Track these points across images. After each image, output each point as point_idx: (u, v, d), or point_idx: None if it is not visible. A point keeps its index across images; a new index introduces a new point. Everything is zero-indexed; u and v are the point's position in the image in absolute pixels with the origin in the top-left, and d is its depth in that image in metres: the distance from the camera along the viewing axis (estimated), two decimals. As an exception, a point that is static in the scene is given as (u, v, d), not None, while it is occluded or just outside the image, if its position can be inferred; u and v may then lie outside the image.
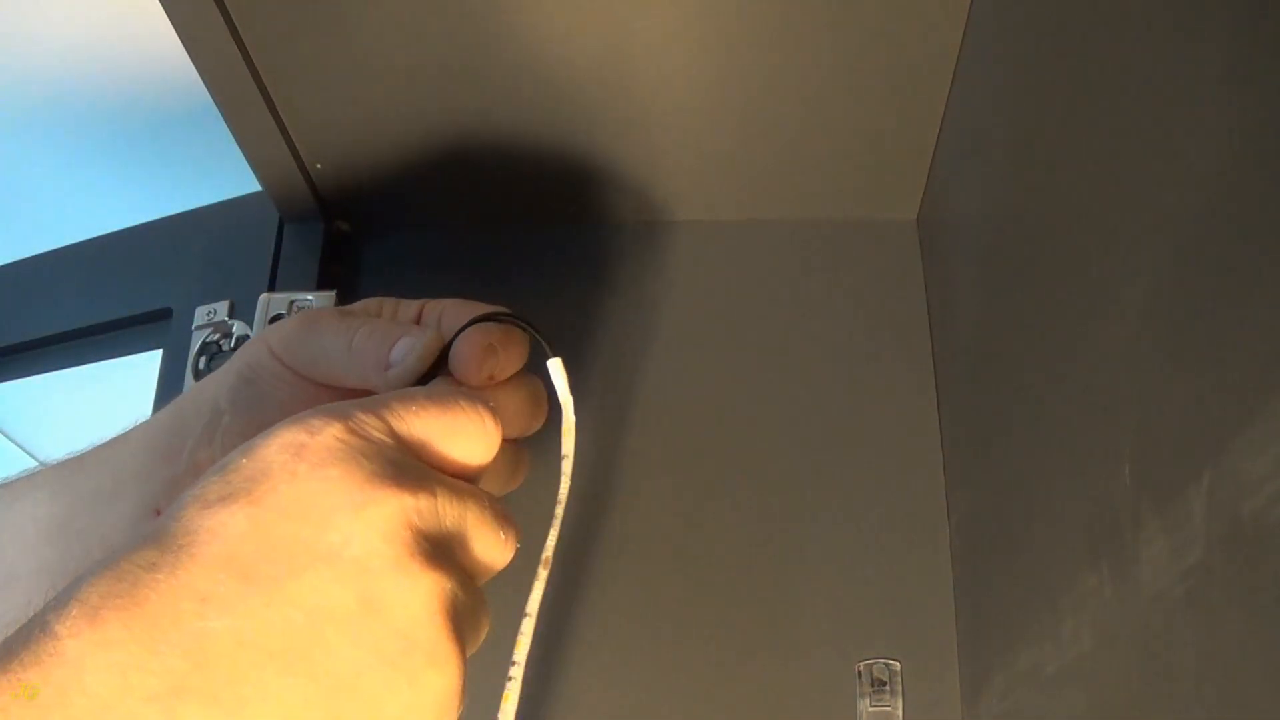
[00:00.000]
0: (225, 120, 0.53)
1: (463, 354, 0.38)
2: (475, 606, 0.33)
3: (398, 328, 0.39)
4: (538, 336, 0.39)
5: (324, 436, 0.31)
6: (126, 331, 0.61)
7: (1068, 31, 0.36)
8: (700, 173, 0.57)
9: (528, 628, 0.37)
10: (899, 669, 0.49)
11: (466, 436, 0.34)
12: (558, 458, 0.39)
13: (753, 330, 0.57)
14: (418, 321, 0.42)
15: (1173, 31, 0.28)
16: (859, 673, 0.49)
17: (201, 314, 0.57)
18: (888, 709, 0.48)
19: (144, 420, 0.43)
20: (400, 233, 0.60)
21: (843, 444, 0.54)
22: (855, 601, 0.51)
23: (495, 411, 0.35)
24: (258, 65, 0.50)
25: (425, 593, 0.31)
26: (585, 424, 0.54)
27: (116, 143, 0.80)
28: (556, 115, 0.54)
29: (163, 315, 0.59)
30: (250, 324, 0.55)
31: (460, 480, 0.34)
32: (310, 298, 0.55)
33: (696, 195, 0.58)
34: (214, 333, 0.56)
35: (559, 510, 0.39)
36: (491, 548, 0.34)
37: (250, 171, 0.56)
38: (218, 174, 0.78)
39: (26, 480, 0.43)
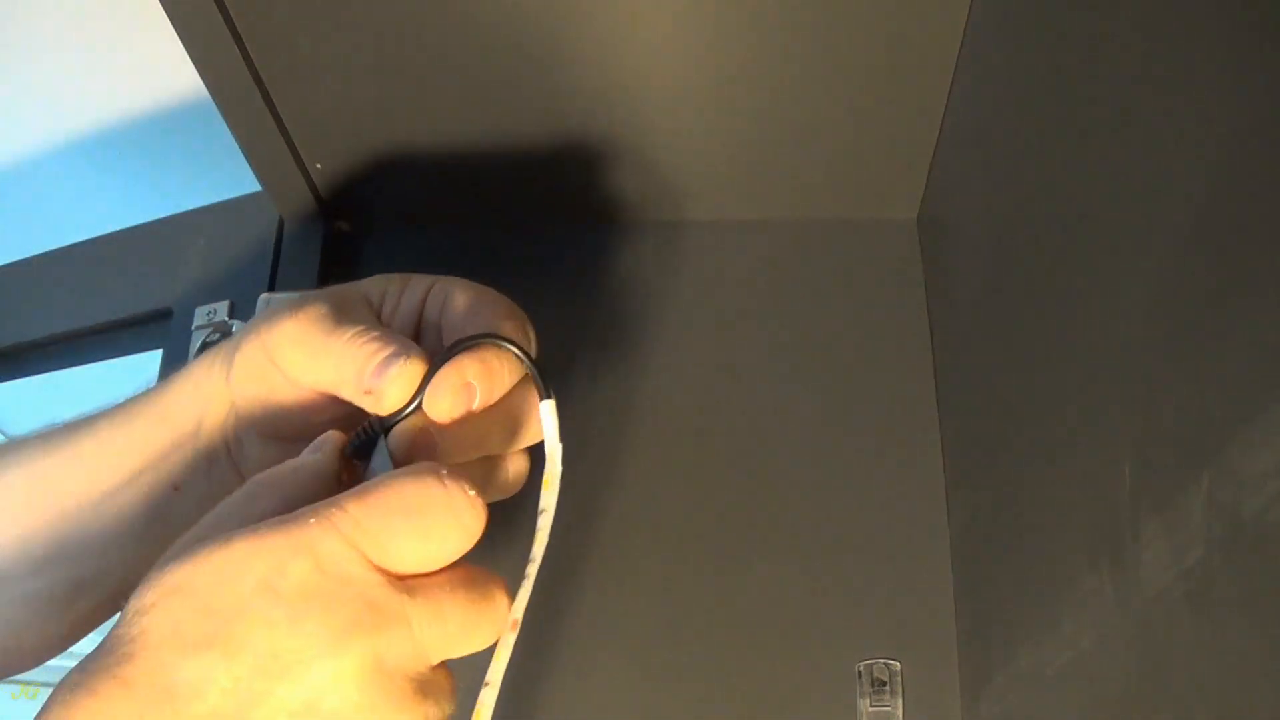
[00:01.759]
0: (225, 120, 0.53)
1: (437, 400, 0.36)
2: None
3: (382, 345, 0.36)
4: (534, 373, 0.37)
5: (295, 579, 0.31)
6: (126, 331, 0.61)
7: (1068, 31, 0.36)
8: (699, 173, 0.57)
9: (488, 699, 0.35)
10: (899, 669, 0.49)
11: (443, 538, 0.33)
12: (534, 512, 0.37)
13: (752, 330, 0.57)
14: (422, 305, 0.40)
15: (1173, 31, 0.28)
16: (859, 673, 0.49)
17: (201, 314, 0.57)
18: (888, 709, 0.48)
19: (152, 393, 0.41)
20: (400, 233, 0.60)
21: (843, 444, 0.54)
22: (855, 601, 0.51)
23: (477, 495, 0.33)
24: (258, 65, 0.50)
25: None
26: (584, 422, 0.54)
27: (116, 142, 0.80)
28: (555, 116, 0.54)
29: (163, 315, 0.59)
30: (250, 324, 0.55)
31: (441, 574, 0.33)
32: (310, 298, 0.55)
33: (695, 195, 0.58)
34: (214, 333, 0.56)
35: (531, 570, 0.36)
36: (474, 638, 0.34)
37: (250, 171, 0.56)
38: (218, 174, 0.78)
39: (37, 446, 0.43)
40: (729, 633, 0.50)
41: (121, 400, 0.42)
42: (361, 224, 0.60)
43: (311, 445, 0.37)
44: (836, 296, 0.57)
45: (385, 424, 0.36)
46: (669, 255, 0.59)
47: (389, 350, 0.36)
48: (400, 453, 0.36)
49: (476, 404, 0.36)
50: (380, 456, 0.36)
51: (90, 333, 0.61)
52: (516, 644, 0.36)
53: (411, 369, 0.36)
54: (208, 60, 0.49)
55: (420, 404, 0.36)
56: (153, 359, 0.58)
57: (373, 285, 0.41)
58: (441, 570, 0.33)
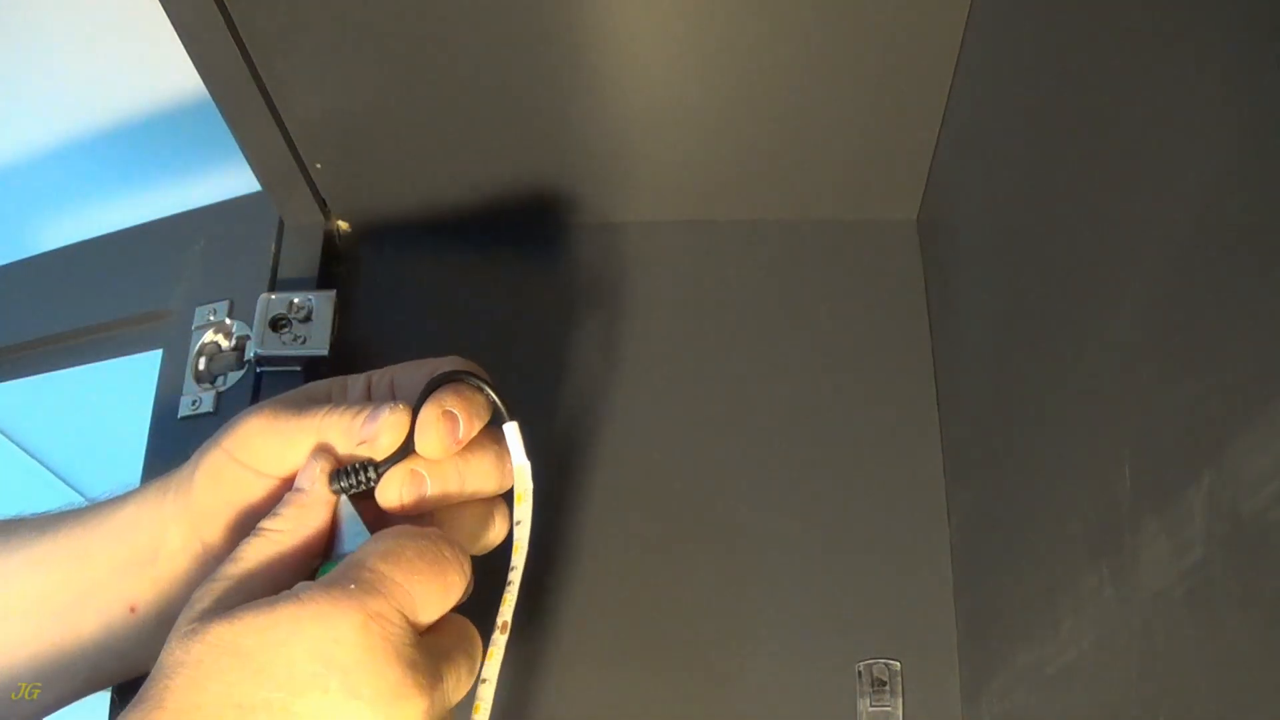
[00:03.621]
0: (225, 120, 0.53)
1: (426, 434, 0.38)
2: None
3: (362, 407, 0.39)
4: (496, 399, 0.40)
5: (347, 645, 0.33)
6: (126, 331, 0.61)
7: (1068, 31, 0.36)
8: (700, 173, 0.57)
9: (486, 694, 0.38)
10: (899, 669, 0.49)
11: (456, 592, 0.36)
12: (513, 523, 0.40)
13: (752, 330, 0.57)
14: (367, 394, 0.42)
15: (1173, 32, 0.28)
16: (859, 673, 0.49)
17: (201, 314, 0.57)
18: (888, 709, 0.48)
19: (111, 505, 0.42)
20: (400, 232, 0.60)
21: (843, 444, 0.54)
22: (855, 601, 0.51)
23: (466, 554, 0.37)
24: (258, 65, 0.50)
25: None
26: (584, 422, 0.54)
27: (116, 142, 0.80)
28: (555, 117, 0.54)
29: (162, 315, 0.59)
30: (250, 324, 0.55)
31: (447, 627, 0.36)
32: (311, 298, 0.55)
33: (696, 195, 0.58)
34: (214, 333, 0.56)
35: (514, 577, 0.39)
36: (470, 680, 0.37)
37: (250, 171, 0.56)
38: (218, 174, 0.78)
39: (4, 538, 0.43)
40: (729, 633, 0.50)
41: (78, 507, 0.43)
42: (361, 224, 0.60)
43: (301, 474, 0.38)
44: (836, 297, 0.57)
45: (379, 469, 0.38)
46: (669, 256, 0.59)
47: (371, 407, 0.38)
48: (392, 494, 0.38)
49: (461, 433, 0.38)
50: (348, 513, 0.38)
51: (90, 333, 0.61)
52: (510, 645, 0.39)
53: (400, 414, 0.38)
54: (208, 60, 0.49)
55: (408, 449, 0.38)
56: (153, 359, 0.58)
57: (315, 388, 0.43)
58: (442, 621, 0.36)
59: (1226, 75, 0.25)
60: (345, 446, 0.38)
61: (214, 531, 0.40)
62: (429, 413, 0.38)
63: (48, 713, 0.44)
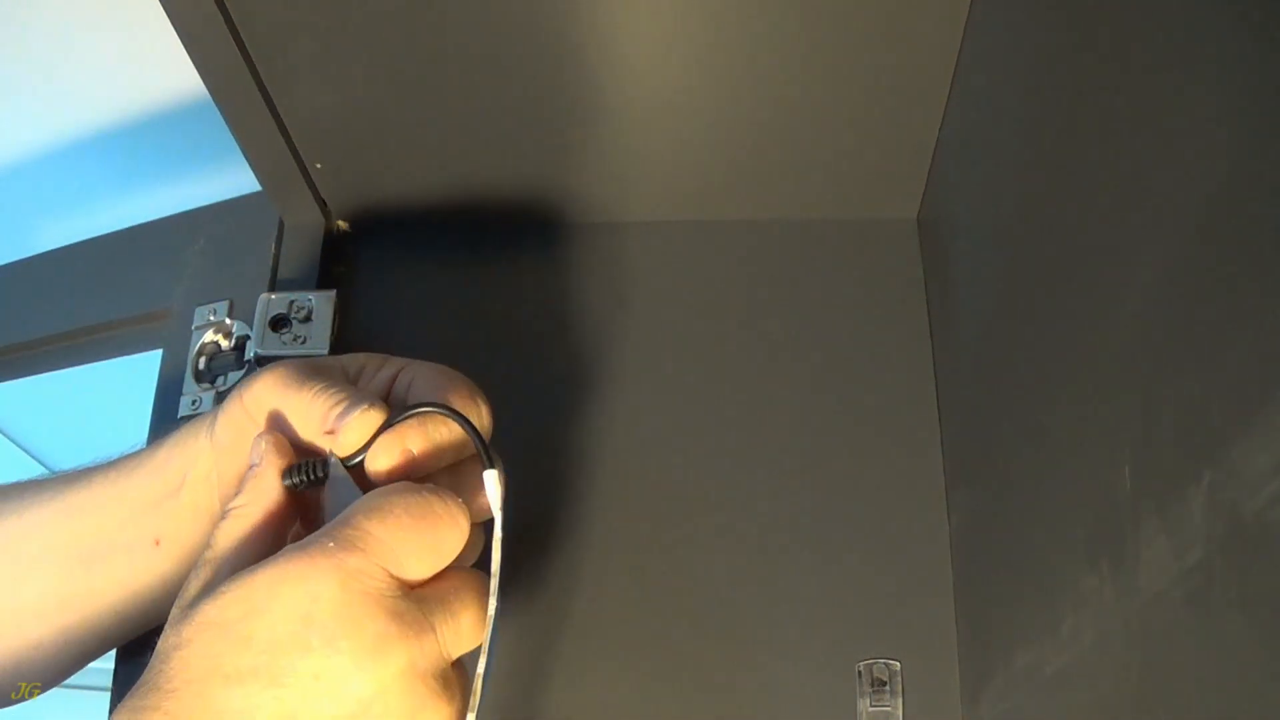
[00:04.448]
0: (225, 120, 0.53)
1: (378, 457, 0.38)
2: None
3: (345, 396, 0.39)
4: (478, 444, 0.39)
5: (326, 603, 0.33)
6: (126, 331, 0.61)
7: (1068, 30, 0.36)
8: (700, 172, 0.57)
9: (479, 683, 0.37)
10: (899, 669, 0.49)
11: (450, 547, 0.36)
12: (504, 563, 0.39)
13: (752, 330, 0.57)
14: (392, 383, 0.42)
15: (1174, 30, 0.28)
16: (859, 673, 0.49)
17: (201, 314, 0.57)
18: (888, 709, 0.48)
19: (145, 452, 0.44)
20: (400, 232, 0.60)
21: (842, 444, 0.54)
22: (855, 601, 0.51)
23: (463, 504, 0.37)
24: (258, 65, 0.50)
25: None
26: (585, 421, 0.55)
27: (117, 142, 0.80)
28: (556, 115, 0.54)
29: (162, 315, 0.59)
30: (250, 324, 0.55)
31: (446, 578, 0.36)
32: (310, 297, 0.55)
33: (696, 195, 0.58)
34: (214, 332, 0.56)
35: (485, 631, 0.37)
36: (479, 632, 0.37)
37: (250, 171, 0.56)
38: (218, 174, 0.78)
39: (34, 494, 0.44)
40: (729, 632, 0.50)
41: (114, 457, 0.45)
42: (361, 224, 0.60)
43: (251, 452, 0.39)
44: (836, 296, 0.57)
45: (329, 469, 0.39)
46: (669, 255, 0.59)
47: (352, 400, 0.39)
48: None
49: (417, 470, 0.39)
50: (339, 475, 0.38)
51: (90, 332, 0.61)
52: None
53: (370, 416, 0.38)
54: (208, 60, 0.49)
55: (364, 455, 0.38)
56: (153, 359, 0.58)
57: (351, 359, 0.43)
58: (442, 573, 0.36)
59: (1227, 74, 0.25)
60: (318, 429, 0.39)
61: (229, 470, 0.41)
62: (389, 441, 0.38)
63: (73, 670, 0.44)
